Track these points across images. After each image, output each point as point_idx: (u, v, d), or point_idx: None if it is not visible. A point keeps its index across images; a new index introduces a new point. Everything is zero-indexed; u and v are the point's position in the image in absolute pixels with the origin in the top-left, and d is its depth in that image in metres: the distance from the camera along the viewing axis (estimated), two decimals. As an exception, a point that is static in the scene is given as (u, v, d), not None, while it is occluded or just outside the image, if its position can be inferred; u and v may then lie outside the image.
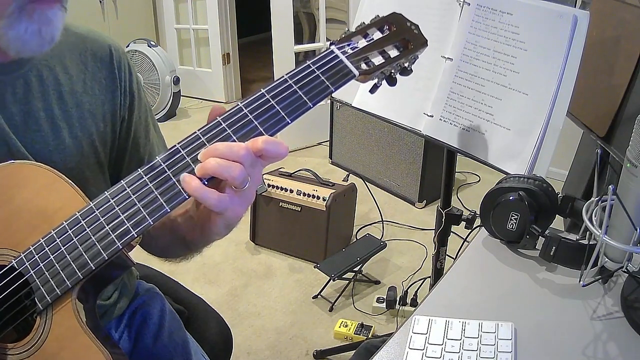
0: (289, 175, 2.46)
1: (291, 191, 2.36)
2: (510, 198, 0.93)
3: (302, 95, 0.68)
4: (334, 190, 2.34)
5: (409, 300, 2.08)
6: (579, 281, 0.86)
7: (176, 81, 3.94)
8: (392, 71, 0.76)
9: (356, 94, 1.45)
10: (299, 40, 3.69)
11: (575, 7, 1.35)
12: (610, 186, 0.79)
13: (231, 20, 4.18)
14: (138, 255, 0.91)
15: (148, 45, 3.87)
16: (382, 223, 2.66)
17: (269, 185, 2.41)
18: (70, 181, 0.72)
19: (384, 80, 0.76)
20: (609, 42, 1.26)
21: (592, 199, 0.89)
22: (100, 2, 4.04)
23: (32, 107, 0.82)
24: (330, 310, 2.14)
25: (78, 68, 0.88)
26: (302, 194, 2.35)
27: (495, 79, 1.20)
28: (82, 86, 0.87)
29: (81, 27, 0.91)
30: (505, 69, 1.19)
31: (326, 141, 3.38)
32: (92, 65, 0.89)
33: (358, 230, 2.64)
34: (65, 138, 0.84)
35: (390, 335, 0.81)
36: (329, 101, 3.29)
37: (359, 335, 1.97)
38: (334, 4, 3.61)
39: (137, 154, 0.95)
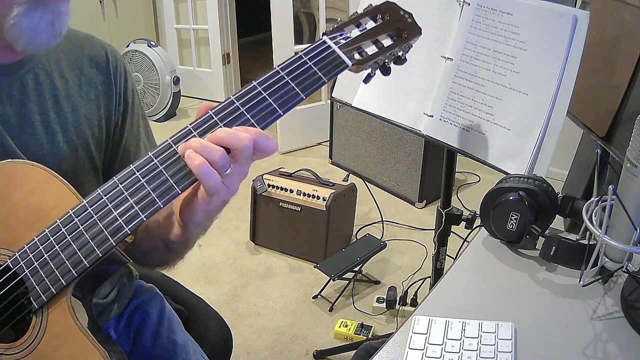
0: (289, 175, 2.46)
1: (291, 191, 2.36)
2: (510, 198, 0.93)
3: (294, 87, 0.68)
4: (334, 190, 2.34)
5: (409, 300, 2.08)
6: (579, 281, 0.86)
7: (176, 81, 3.94)
8: (386, 60, 0.75)
9: (356, 94, 1.45)
10: (299, 40, 3.68)
11: (575, 7, 1.35)
12: (610, 186, 0.79)
13: (231, 20, 4.18)
14: (138, 255, 0.91)
15: (148, 45, 3.87)
16: (382, 223, 2.66)
17: (269, 185, 2.41)
18: (63, 180, 0.72)
19: (378, 69, 0.75)
20: (609, 42, 1.26)
21: (592, 199, 0.89)
22: (100, 2, 4.04)
23: (27, 109, 0.82)
24: (330, 310, 2.14)
25: (74, 73, 0.88)
26: (302, 194, 2.35)
27: (495, 79, 1.20)
28: (78, 91, 0.87)
29: (78, 32, 0.91)
30: (505, 69, 1.19)
31: (326, 141, 3.38)
32: (89, 70, 0.89)
33: (358, 230, 2.64)
34: (60, 142, 0.85)
35: (390, 335, 0.81)
36: (329, 101, 3.29)
37: (359, 335, 1.97)
38: (334, 4, 3.60)
39: (127, 161, 0.95)
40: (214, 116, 0.67)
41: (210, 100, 4.35)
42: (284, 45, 3.25)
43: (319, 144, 3.59)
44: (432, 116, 1.31)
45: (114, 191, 0.67)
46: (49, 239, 0.68)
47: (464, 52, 1.25)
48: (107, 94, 0.90)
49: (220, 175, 0.64)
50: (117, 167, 0.94)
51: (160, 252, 0.84)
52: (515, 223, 0.93)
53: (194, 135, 0.66)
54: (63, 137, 0.85)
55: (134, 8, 4.34)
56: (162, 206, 0.66)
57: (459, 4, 1.26)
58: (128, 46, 3.92)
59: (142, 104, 0.99)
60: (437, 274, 1.59)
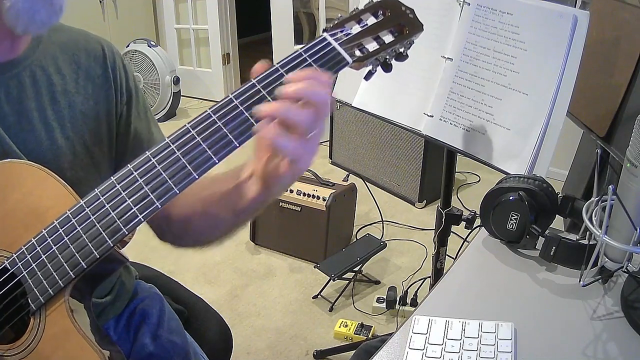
0: (289, 175, 2.46)
1: (291, 191, 2.36)
2: (510, 198, 0.92)
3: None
4: (334, 190, 2.34)
5: (409, 300, 2.08)
6: (579, 281, 0.86)
7: (176, 81, 3.94)
8: (388, 57, 0.73)
9: (356, 94, 1.45)
10: (299, 40, 3.69)
11: (575, 7, 1.35)
12: (610, 186, 0.79)
13: (231, 20, 4.18)
14: (137, 255, 0.91)
15: (148, 45, 3.87)
16: (382, 223, 2.66)
17: (269, 185, 2.40)
18: (61, 179, 0.71)
19: (379, 66, 0.74)
20: (609, 42, 1.26)
21: (592, 199, 0.89)
22: (100, 2, 4.04)
23: (25, 107, 0.82)
24: (330, 310, 2.14)
25: (71, 68, 0.87)
26: (302, 194, 2.35)
27: (495, 79, 1.20)
28: (74, 86, 0.87)
29: (74, 28, 0.91)
30: (505, 69, 1.19)
31: (326, 141, 3.38)
32: (86, 65, 0.89)
33: (358, 230, 2.64)
34: (58, 138, 0.84)
35: (390, 335, 0.81)
36: (329, 101, 3.29)
37: (359, 335, 1.97)
38: (334, 4, 3.61)
39: (140, 150, 0.93)
40: (212, 115, 0.66)
41: (210, 101, 4.35)
42: (284, 45, 3.25)
43: (319, 144, 3.58)
44: (432, 116, 1.31)
45: (112, 191, 0.67)
46: (47, 240, 0.68)
47: (464, 52, 1.25)
48: (105, 88, 0.90)
49: (301, 140, 0.64)
50: (128, 158, 0.93)
51: (228, 223, 0.82)
52: (515, 223, 0.93)
53: (193, 136, 0.66)
54: (61, 133, 0.85)
55: (134, 8, 4.34)
56: (160, 207, 0.66)
57: (459, 4, 1.26)
58: (128, 46, 3.91)
59: (145, 96, 0.98)
60: (437, 274, 1.59)
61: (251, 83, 0.67)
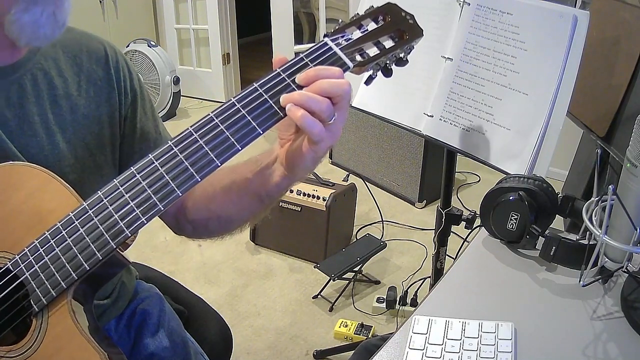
0: (289, 175, 2.46)
1: (291, 191, 2.36)
2: (510, 198, 0.93)
3: (296, 89, 0.68)
4: (334, 190, 2.34)
5: (409, 300, 2.08)
6: (579, 281, 0.86)
7: (176, 81, 3.94)
8: (388, 62, 0.75)
9: (356, 94, 1.45)
10: (299, 40, 3.69)
11: (575, 7, 1.35)
12: (610, 186, 0.79)
13: (231, 20, 4.18)
14: (138, 255, 0.91)
15: (148, 45, 3.87)
16: (382, 223, 2.66)
17: (269, 185, 2.40)
18: (63, 181, 0.71)
19: (379, 71, 0.75)
20: (609, 42, 1.26)
21: (592, 199, 0.89)
22: (100, 2, 4.04)
23: (26, 111, 0.81)
24: (330, 310, 2.14)
25: (73, 70, 0.87)
26: (302, 194, 2.35)
27: (495, 79, 1.20)
28: (77, 89, 0.86)
29: (76, 29, 0.90)
30: (505, 69, 1.19)
31: (326, 141, 3.38)
32: (88, 67, 0.88)
33: (358, 230, 2.64)
34: (60, 142, 0.84)
35: (390, 334, 0.81)
36: (329, 101, 3.29)
37: (359, 335, 1.97)
38: (334, 4, 3.60)
39: (148, 150, 0.93)
40: (214, 118, 0.67)
41: (210, 101, 4.35)
42: (284, 45, 3.25)
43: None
44: (432, 116, 1.31)
45: (114, 194, 0.67)
46: (50, 241, 0.68)
47: (464, 52, 1.25)
48: (107, 90, 0.89)
49: (324, 124, 0.66)
50: (136, 159, 0.93)
51: (252, 209, 0.84)
52: (515, 223, 0.93)
53: (195, 139, 0.67)
54: (62, 137, 0.84)
55: (134, 8, 4.34)
56: (162, 209, 0.67)
57: (459, 4, 1.26)
58: (128, 46, 3.91)
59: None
60: (437, 274, 1.59)
61: (254, 87, 0.68)
